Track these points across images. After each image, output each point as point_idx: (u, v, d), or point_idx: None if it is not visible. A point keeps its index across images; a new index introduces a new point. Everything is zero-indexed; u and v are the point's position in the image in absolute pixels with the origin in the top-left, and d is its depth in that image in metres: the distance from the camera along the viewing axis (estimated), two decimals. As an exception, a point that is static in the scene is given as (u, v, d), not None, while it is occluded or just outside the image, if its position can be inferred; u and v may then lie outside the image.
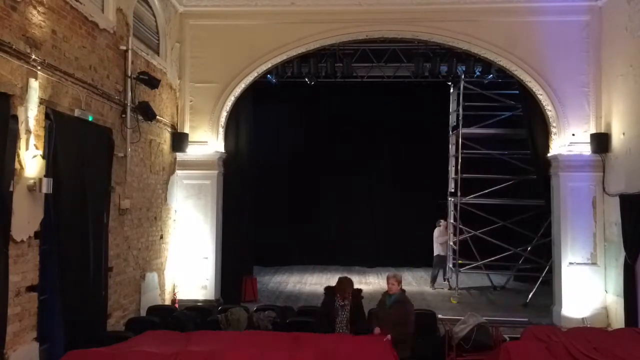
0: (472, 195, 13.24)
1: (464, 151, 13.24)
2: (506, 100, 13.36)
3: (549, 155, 10.61)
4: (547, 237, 12.40)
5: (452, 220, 13.53)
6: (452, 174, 14.06)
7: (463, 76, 12.95)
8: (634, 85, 9.04)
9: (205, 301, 10.32)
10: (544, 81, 10.40)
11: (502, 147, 13.64)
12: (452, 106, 14.45)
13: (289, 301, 11.14)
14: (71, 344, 6.06)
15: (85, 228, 6.81)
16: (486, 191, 13.27)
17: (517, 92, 13.43)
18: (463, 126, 13.19)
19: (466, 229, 13.27)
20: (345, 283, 6.89)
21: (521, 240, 13.16)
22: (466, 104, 13.27)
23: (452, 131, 14.02)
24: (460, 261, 12.99)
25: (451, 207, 13.80)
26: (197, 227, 10.77)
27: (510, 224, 13.40)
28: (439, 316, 8.38)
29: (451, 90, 14.35)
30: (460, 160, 13.14)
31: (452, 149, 13.93)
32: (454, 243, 13.03)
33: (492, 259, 13.29)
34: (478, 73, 12.71)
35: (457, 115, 13.46)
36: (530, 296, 11.36)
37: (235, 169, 11.43)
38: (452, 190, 13.59)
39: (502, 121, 13.65)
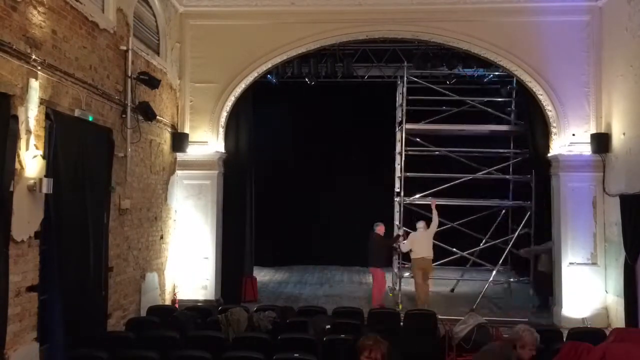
0: (417, 195, 12.56)
1: (409, 148, 12.73)
2: (453, 95, 13.16)
3: (549, 155, 10.61)
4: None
5: (396, 222, 12.98)
6: (397, 173, 13.25)
7: (405, 70, 12.69)
8: (634, 85, 9.04)
9: (205, 301, 10.32)
10: (544, 81, 10.40)
11: (462, 144, 13.29)
12: (398, 100, 13.69)
13: (289, 301, 11.14)
14: (71, 344, 6.06)
15: (85, 228, 6.80)
16: (431, 190, 12.58)
17: (470, 86, 13.44)
18: (411, 122, 12.74)
19: (405, 228, 12.32)
20: (377, 345, 4.04)
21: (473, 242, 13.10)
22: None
23: (397, 127, 13.33)
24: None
25: (397, 208, 13.13)
26: (197, 227, 10.77)
27: (460, 225, 13.17)
28: (439, 316, 8.37)
29: (398, 83, 13.72)
30: (403, 158, 12.44)
31: (397, 146, 13.21)
32: (399, 246, 11.86)
33: (445, 260, 12.90)
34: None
35: (402, 111, 12.76)
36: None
37: (235, 169, 11.42)
38: (398, 190, 12.79)
39: (457, 116, 13.42)
